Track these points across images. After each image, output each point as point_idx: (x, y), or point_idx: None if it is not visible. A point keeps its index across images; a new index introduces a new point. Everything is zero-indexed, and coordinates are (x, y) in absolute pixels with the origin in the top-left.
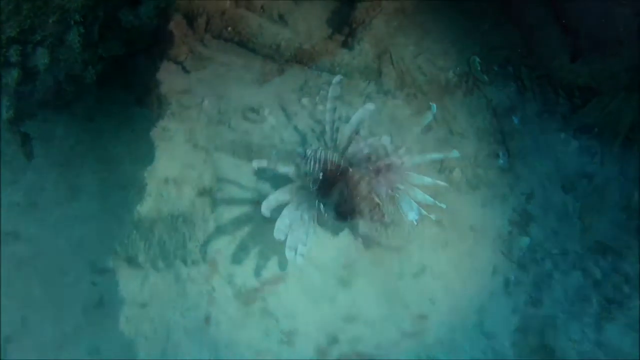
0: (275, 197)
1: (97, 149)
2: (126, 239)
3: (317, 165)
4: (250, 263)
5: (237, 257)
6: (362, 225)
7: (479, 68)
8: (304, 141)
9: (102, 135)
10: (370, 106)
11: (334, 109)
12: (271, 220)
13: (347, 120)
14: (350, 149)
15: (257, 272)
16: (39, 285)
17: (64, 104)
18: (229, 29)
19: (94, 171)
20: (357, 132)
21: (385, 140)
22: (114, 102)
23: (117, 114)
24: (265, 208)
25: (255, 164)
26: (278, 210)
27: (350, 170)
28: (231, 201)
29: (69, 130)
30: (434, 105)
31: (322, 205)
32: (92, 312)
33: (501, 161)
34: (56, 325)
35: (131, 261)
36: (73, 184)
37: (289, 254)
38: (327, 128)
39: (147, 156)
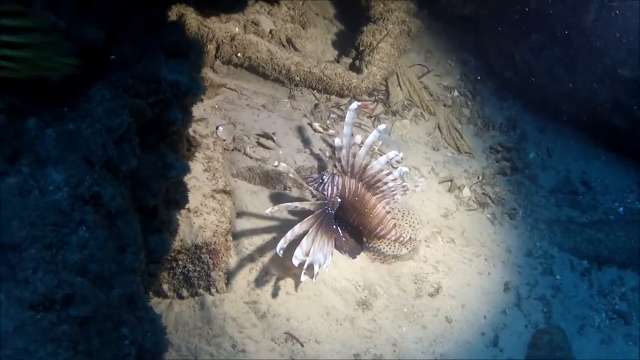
0: (289, 236)
1: None
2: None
3: (334, 190)
4: (272, 289)
5: (260, 284)
6: (382, 245)
7: None
8: (318, 165)
9: None
10: (381, 127)
11: (351, 134)
12: (291, 245)
13: (362, 142)
14: (366, 172)
15: (278, 296)
16: None
17: None
18: (239, 54)
19: None
20: (371, 153)
21: (393, 154)
22: None
23: None
24: (280, 248)
25: (271, 209)
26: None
27: (368, 194)
28: (251, 228)
29: None
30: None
31: (339, 229)
32: None
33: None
34: None
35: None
36: None
37: (304, 277)
38: (344, 152)
39: None
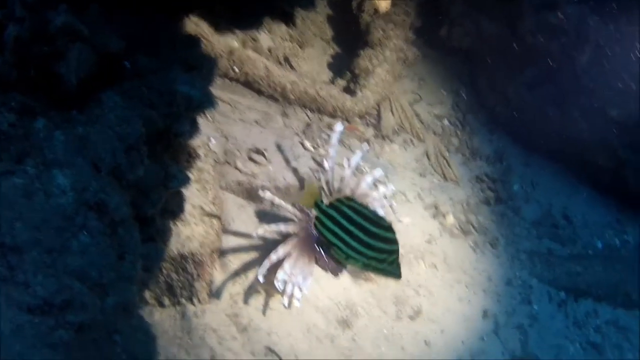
0: (273, 258)
1: None
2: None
3: None
4: (255, 303)
5: (243, 297)
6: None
7: None
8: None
9: None
10: (365, 146)
11: (335, 155)
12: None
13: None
14: (351, 193)
15: (260, 310)
16: None
17: None
18: (236, 69)
19: None
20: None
21: (378, 173)
22: None
23: None
24: (262, 274)
25: (257, 232)
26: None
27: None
28: (237, 241)
29: None
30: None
31: (322, 251)
32: None
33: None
34: None
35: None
36: None
37: (285, 300)
38: (330, 174)
39: None
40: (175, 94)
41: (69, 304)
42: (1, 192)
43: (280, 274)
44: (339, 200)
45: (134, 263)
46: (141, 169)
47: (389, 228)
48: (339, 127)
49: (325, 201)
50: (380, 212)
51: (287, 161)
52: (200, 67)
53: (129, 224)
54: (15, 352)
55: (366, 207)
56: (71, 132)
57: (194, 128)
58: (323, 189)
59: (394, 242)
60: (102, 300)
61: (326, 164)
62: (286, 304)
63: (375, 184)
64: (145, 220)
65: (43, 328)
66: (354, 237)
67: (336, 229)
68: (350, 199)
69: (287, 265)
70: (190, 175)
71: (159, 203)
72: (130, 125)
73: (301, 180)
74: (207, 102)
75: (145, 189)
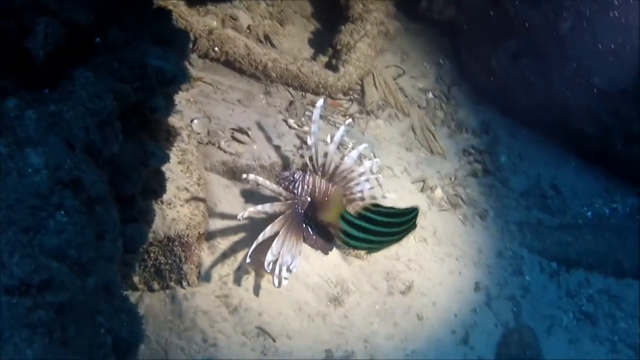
0: (260, 239)
1: None
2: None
3: (304, 188)
4: (244, 284)
5: (233, 279)
6: None
7: None
8: (292, 162)
9: None
10: (348, 121)
11: (317, 131)
12: (266, 242)
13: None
14: (335, 169)
15: (250, 290)
16: None
17: None
18: (216, 49)
19: None
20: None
21: (363, 147)
22: None
23: None
24: (249, 256)
25: (243, 215)
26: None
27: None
28: (223, 222)
29: None
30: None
31: (309, 228)
32: None
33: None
34: None
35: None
36: None
37: (275, 281)
38: (313, 150)
39: None
40: (147, 67)
41: (47, 284)
42: None
43: (269, 256)
44: (365, 209)
45: (114, 242)
46: (116, 145)
47: (412, 210)
48: (320, 102)
49: (351, 211)
50: (367, 187)
51: (271, 139)
52: (174, 41)
53: (107, 202)
54: None
55: (392, 207)
56: (43, 110)
57: (169, 104)
58: (307, 165)
59: (415, 213)
60: (83, 280)
61: (309, 141)
62: (276, 284)
63: (360, 158)
64: (125, 200)
65: (21, 309)
66: (380, 234)
67: (362, 235)
68: (376, 205)
69: (275, 246)
70: (169, 153)
71: (139, 182)
72: (102, 100)
73: (285, 158)
74: (181, 76)
75: (123, 168)
